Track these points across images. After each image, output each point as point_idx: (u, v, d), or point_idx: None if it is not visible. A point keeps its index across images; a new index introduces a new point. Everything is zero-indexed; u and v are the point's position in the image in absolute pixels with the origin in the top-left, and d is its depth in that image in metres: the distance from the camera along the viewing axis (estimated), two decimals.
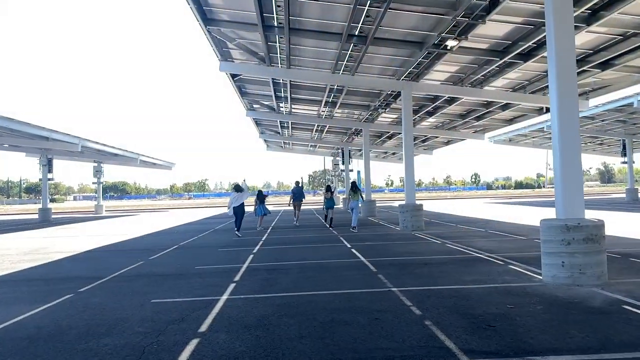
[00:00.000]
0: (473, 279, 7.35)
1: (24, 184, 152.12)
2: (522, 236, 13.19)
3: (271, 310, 5.76)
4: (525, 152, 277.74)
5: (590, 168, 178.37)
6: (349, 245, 12.24)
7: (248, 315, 5.61)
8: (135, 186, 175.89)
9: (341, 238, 14.22)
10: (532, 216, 21.35)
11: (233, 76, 18.51)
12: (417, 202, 16.54)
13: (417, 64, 15.01)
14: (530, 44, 12.67)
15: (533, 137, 41.10)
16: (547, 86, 16.17)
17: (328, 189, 18.64)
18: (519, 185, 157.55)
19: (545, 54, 12.94)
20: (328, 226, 17.87)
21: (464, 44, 13.06)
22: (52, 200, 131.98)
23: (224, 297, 6.63)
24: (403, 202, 16.65)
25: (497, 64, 14.27)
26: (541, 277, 7.13)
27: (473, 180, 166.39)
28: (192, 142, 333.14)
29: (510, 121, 23.88)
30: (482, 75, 15.98)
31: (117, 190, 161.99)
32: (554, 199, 7.41)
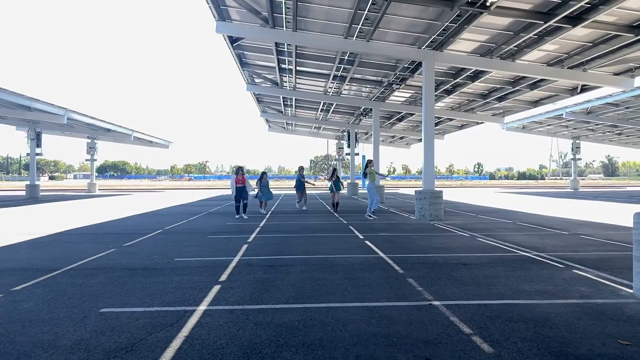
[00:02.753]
0: (537, 289, 5.50)
1: (23, 160, 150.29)
2: (563, 230, 11.33)
3: (266, 336, 3.93)
4: (528, 144, 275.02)
5: (593, 160, 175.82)
6: (361, 236, 10.39)
7: (231, 343, 3.78)
8: (136, 166, 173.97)
9: (350, 227, 12.37)
10: (555, 207, 19.49)
11: (232, 42, 16.50)
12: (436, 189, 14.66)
13: (443, 29, 13.03)
14: (582, 3, 10.64)
15: (548, 125, 39.02)
16: (590, 59, 14.17)
17: (333, 172, 17.39)
18: (522, 176, 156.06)
19: (599, 17, 10.94)
20: (333, 211, 16.62)
21: (504, 2, 11.08)
22: (52, 178, 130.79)
23: (202, 307, 4.80)
24: (419, 189, 14.78)
25: (536, 31, 12.23)
26: (632, 291, 5.28)
27: (476, 169, 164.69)
28: (192, 124, 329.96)
29: (535, 103, 21.83)
30: (515, 46, 13.98)
31: (117, 170, 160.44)
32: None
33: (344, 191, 40.92)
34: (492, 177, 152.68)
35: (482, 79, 17.87)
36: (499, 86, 19.42)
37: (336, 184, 16.81)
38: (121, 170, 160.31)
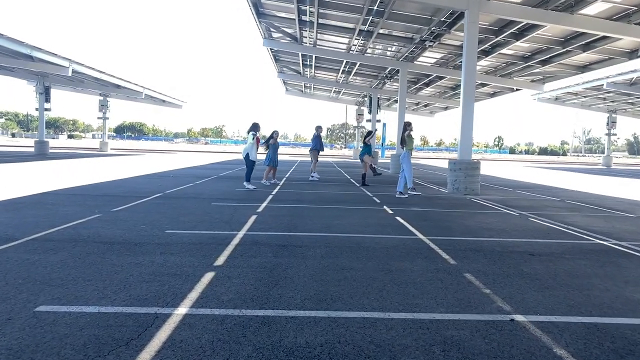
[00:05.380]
0: None
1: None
2: (626, 212, 9.62)
3: None
4: (548, 119, 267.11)
5: (618, 138, 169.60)
6: (390, 211, 8.84)
7: None
8: (153, 128, 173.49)
9: (375, 199, 10.83)
10: (596, 185, 17.61)
11: None
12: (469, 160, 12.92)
13: None
14: None
15: (584, 97, 36.44)
16: None
17: (369, 134, 14.69)
18: (543, 151, 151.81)
19: None
20: (360, 185, 14.04)
21: None
22: (70, 137, 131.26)
23: (181, 309, 3.34)
24: (454, 158, 13.08)
25: None
26: None
27: (496, 143, 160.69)
28: (208, 87, 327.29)
29: (584, 68, 19.53)
30: None
31: (134, 131, 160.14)
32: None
33: (352, 160, 39.30)
34: (512, 151, 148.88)
35: (527, 37, 15.73)
36: (545, 47, 17.22)
37: (366, 149, 13.94)
38: (138, 131, 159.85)
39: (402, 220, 7.68)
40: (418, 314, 3.39)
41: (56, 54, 20.93)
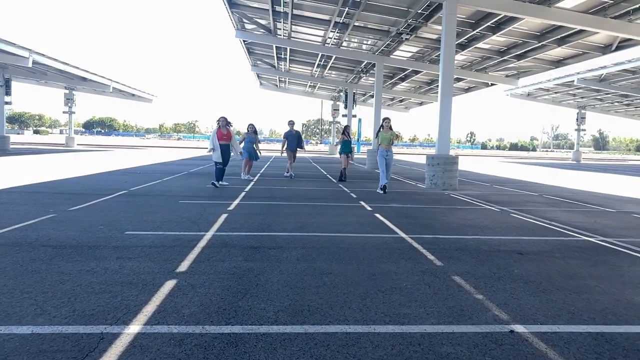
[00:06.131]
0: None
1: (7, 112, 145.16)
2: (605, 207, 9.52)
3: None
4: (517, 115, 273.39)
5: (585, 134, 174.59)
6: (368, 208, 8.47)
7: None
8: (124, 123, 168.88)
9: (353, 195, 10.45)
10: (570, 179, 17.75)
11: None
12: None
13: None
14: None
15: (555, 93, 37.02)
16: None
17: (345, 130, 13.82)
18: (514, 146, 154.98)
19: None
20: (338, 180, 13.61)
21: None
22: (36, 132, 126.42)
23: (133, 327, 2.85)
24: (432, 153, 12.81)
25: None
26: None
27: (468, 139, 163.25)
28: (179, 82, 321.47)
29: (558, 63, 19.61)
30: None
31: (104, 126, 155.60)
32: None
33: (334, 155, 38.98)
34: (484, 147, 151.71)
35: (504, 30, 15.61)
36: (521, 41, 17.18)
37: (346, 145, 13.45)
38: (108, 127, 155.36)
39: (381, 218, 7.31)
40: (407, 327, 2.99)
41: (14, 44, 19.69)
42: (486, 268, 4.48)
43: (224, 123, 11.32)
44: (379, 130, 11.15)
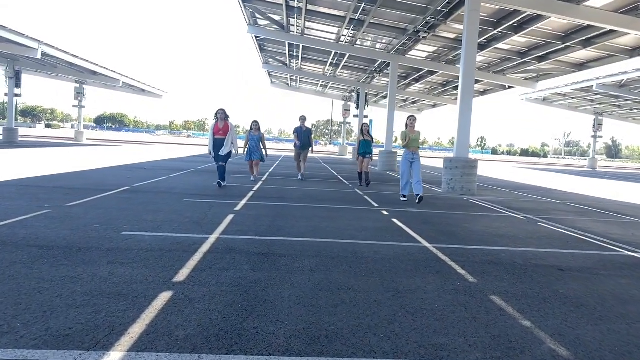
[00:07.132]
0: None
1: (20, 106, 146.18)
2: (636, 217, 8.88)
3: None
4: (528, 121, 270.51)
5: (600, 139, 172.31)
6: (385, 212, 7.91)
7: None
8: (135, 120, 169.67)
9: (367, 198, 9.91)
10: (591, 187, 17.03)
11: None
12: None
13: None
14: None
15: (572, 98, 36.13)
16: None
17: (362, 129, 12.34)
18: (525, 152, 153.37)
19: None
20: (360, 184, 12.49)
21: None
22: (48, 126, 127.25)
23: (113, 357, 2.33)
24: (449, 156, 12.22)
25: None
26: None
27: (479, 143, 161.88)
28: (192, 77, 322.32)
29: (581, 66, 18.89)
30: None
31: (115, 122, 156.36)
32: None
33: (346, 156, 38.26)
34: (494, 152, 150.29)
35: (527, 30, 14.96)
36: (543, 42, 16.50)
37: (367, 145, 12.07)
38: (119, 123, 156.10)
39: (400, 224, 6.76)
40: None
41: (24, 34, 19.41)
42: (526, 286, 3.92)
43: (222, 116, 10.24)
44: (406, 131, 9.62)
